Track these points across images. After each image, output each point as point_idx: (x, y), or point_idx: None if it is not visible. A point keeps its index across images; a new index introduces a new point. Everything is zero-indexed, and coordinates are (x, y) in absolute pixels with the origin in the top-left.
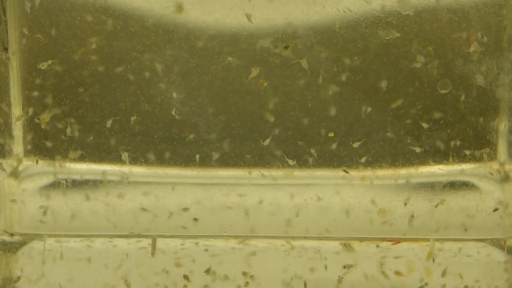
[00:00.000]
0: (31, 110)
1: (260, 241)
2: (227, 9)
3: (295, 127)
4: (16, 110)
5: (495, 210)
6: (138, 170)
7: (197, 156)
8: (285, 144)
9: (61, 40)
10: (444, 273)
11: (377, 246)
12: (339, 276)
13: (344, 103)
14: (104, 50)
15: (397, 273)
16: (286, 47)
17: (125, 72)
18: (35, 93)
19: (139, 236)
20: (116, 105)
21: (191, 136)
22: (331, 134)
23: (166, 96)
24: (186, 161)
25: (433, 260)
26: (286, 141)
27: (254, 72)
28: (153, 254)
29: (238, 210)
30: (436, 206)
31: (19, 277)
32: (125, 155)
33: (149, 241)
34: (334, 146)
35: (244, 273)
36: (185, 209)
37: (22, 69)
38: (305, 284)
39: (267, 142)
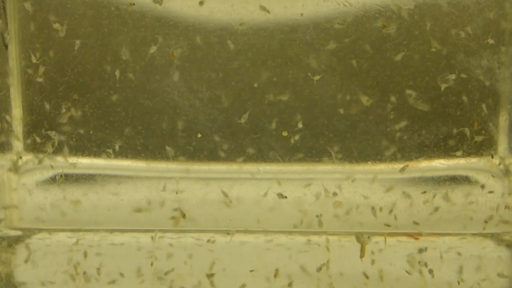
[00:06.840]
0: (30, 105)
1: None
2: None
3: (297, 121)
4: (16, 104)
5: (496, 204)
6: (138, 165)
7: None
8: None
9: (59, 38)
10: (443, 267)
11: (376, 242)
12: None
13: (343, 97)
14: (101, 46)
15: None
16: (286, 41)
17: (125, 68)
18: (35, 88)
19: (138, 231)
20: (116, 100)
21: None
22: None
23: (165, 90)
24: (192, 156)
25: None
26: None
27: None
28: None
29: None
30: (436, 200)
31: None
32: (124, 150)
33: (149, 236)
34: (337, 141)
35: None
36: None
37: (22, 63)
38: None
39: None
